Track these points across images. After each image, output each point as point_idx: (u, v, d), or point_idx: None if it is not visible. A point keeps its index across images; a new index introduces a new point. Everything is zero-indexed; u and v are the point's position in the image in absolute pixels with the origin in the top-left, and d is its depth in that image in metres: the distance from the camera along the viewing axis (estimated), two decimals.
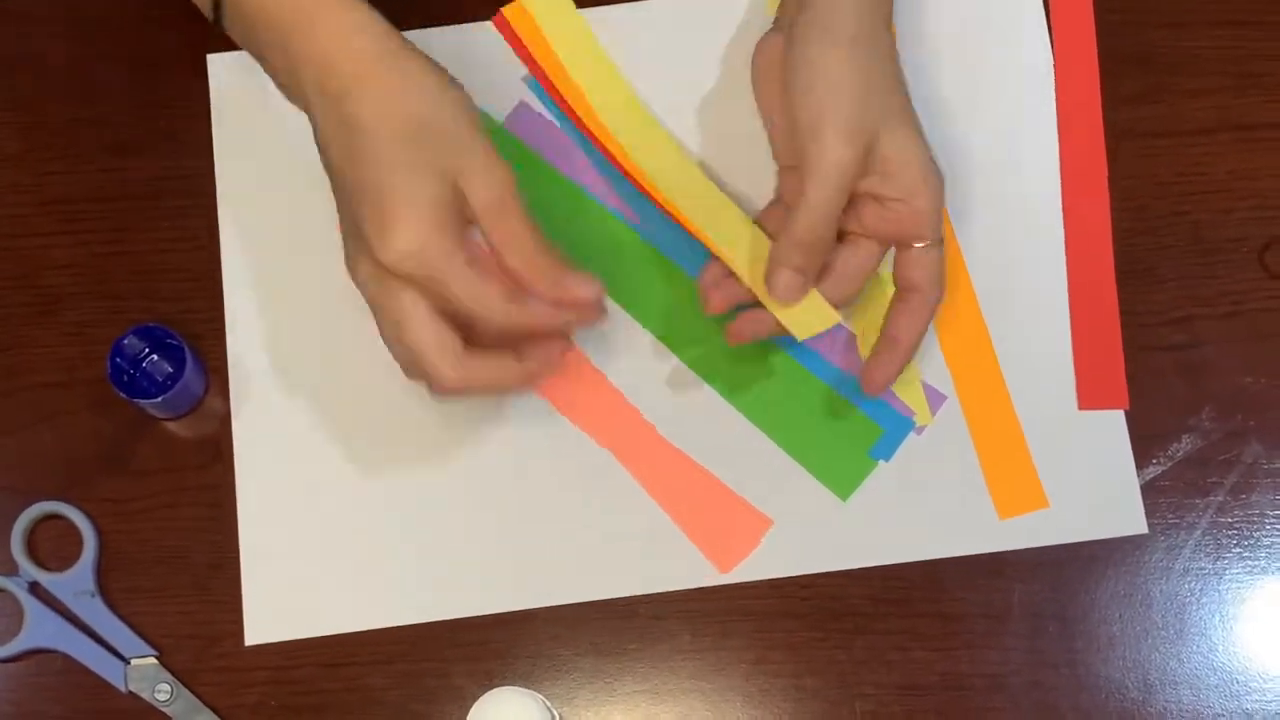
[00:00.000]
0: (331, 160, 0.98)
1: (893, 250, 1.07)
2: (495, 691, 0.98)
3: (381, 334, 0.99)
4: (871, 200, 1.05)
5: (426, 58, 0.99)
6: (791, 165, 1.08)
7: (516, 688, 0.99)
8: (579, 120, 1.14)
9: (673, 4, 1.17)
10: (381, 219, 0.95)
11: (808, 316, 1.05)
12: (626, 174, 1.12)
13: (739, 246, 1.07)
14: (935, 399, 1.11)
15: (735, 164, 1.14)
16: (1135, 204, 1.14)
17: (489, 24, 1.17)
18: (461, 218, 0.97)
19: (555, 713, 0.98)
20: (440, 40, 1.13)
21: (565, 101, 1.14)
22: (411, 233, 0.95)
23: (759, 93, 1.11)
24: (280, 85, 1.01)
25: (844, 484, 1.10)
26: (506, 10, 1.16)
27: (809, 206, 1.03)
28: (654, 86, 1.16)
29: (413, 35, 1.14)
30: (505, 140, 1.14)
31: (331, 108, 0.97)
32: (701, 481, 1.10)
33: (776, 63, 1.07)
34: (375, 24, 0.98)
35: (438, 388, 0.98)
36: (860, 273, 1.07)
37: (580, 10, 1.16)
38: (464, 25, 1.17)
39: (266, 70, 1.01)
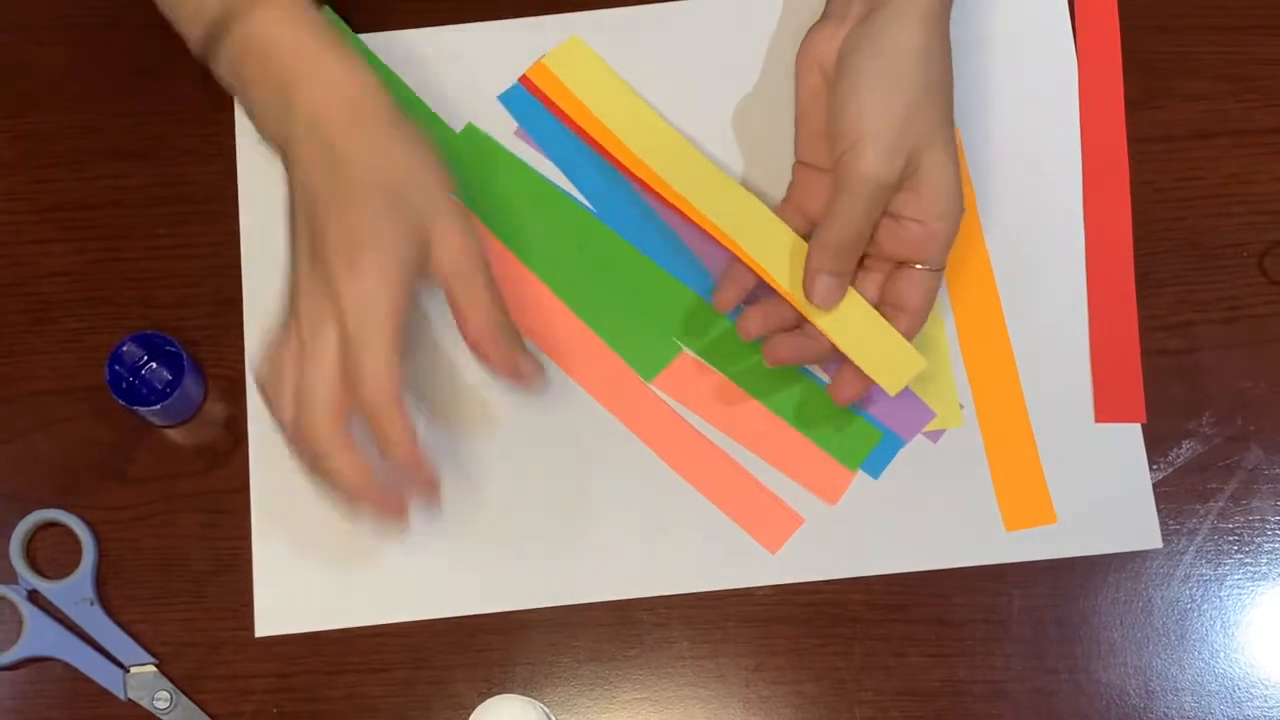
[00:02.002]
0: (312, 188, 1.00)
1: None
2: (494, 699, 0.98)
3: (272, 353, 1.01)
4: (888, 217, 1.05)
5: (412, 122, 1.03)
6: (812, 164, 1.08)
7: (515, 695, 0.98)
8: (623, 168, 1.13)
9: (709, 2, 1.18)
10: (353, 259, 0.98)
11: (894, 366, 1.05)
12: (677, 211, 1.11)
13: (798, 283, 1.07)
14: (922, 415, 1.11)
15: (766, 163, 1.14)
16: (1133, 208, 1.14)
17: (495, 25, 1.18)
18: (418, 283, 1.00)
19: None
20: (447, 40, 1.15)
21: (606, 150, 1.14)
22: (376, 282, 0.98)
23: (800, 84, 1.08)
24: (255, 114, 1.04)
25: (852, 454, 1.10)
26: (530, 73, 1.16)
27: (841, 216, 1.03)
28: (682, 87, 1.16)
29: (415, 34, 1.15)
30: (507, 161, 1.15)
31: (322, 145, 1.00)
32: (735, 475, 1.10)
33: (826, 58, 1.06)
34: (371, 80, 1.02)
35: (286, 428, 1.00)
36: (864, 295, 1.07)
37: (616, 10, 1.17)
38: (473, 25, 1.18)
39: (242, 98, 1.04)
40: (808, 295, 1.04)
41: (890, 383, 1.05)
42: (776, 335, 1.07)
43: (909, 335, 1.06)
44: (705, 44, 1.17)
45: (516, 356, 1.03)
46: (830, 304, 1.04)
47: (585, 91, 1.15)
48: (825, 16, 1.08)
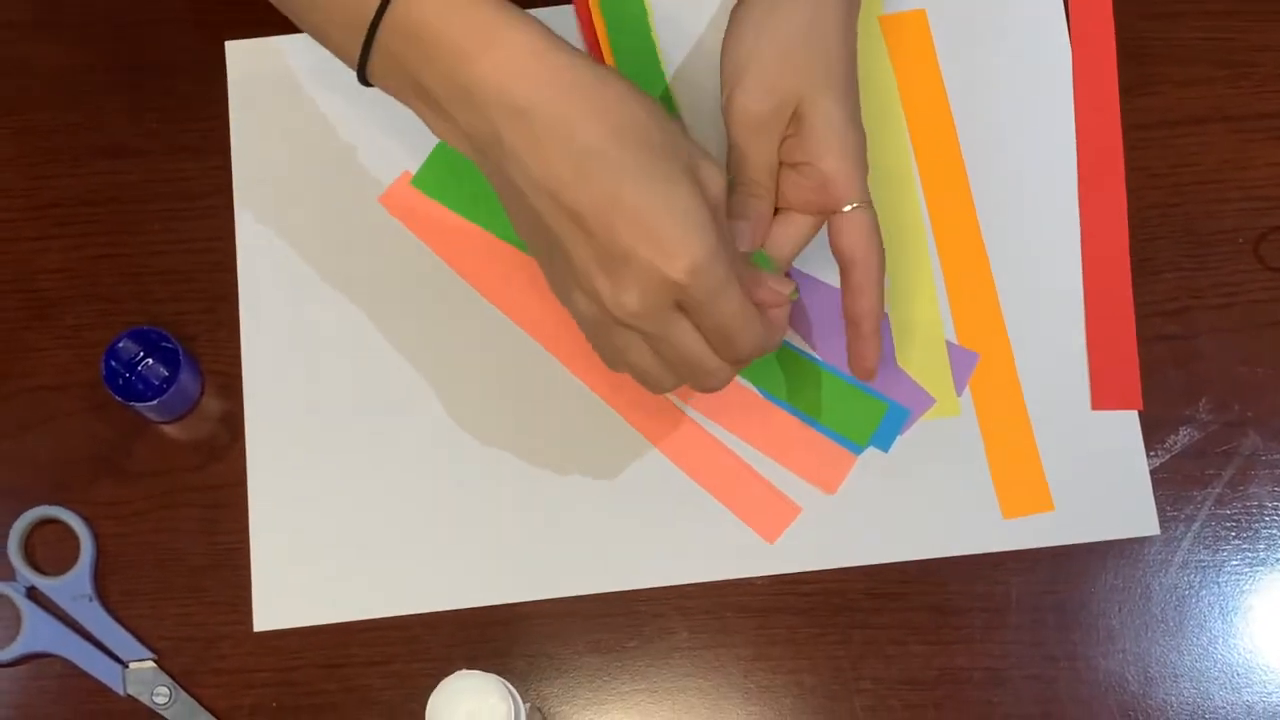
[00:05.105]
0: (544, 183, 0.90)
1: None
2: (455, 675, 0.97)
3: (636, 358, 0.96)
4: (789, 169, 1.04)
5: (607, 65, 0.95)
6: None
7: (476, 671, 0.98)
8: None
9: None
10: (659, 237, 0.89)
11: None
12: None
13: None
14: (963, 371, 1.11)
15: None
16: (1129, 195, 1.13)
17: None
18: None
19: (516, 695, 0.97)
20: None
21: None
22: (699, 246, 0.89)
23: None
24: (438, 117, 0.94)
25: (859, 431, 1.10)
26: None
27: (729, 155, 1.03)
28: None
29: None
30: None
31: (531, 127, 0.90)
32: (733, 466, 1.10)
33: None
34: (555, 37, 0.91)
35: (711, 387, 0.97)
36: (790, 243, 1.05)
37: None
38: None
39: (419, 107, 0.95)
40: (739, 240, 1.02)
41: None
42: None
43: (869, 284, 1.03)
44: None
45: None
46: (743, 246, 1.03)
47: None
48: None
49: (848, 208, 1.02)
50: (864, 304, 1.03)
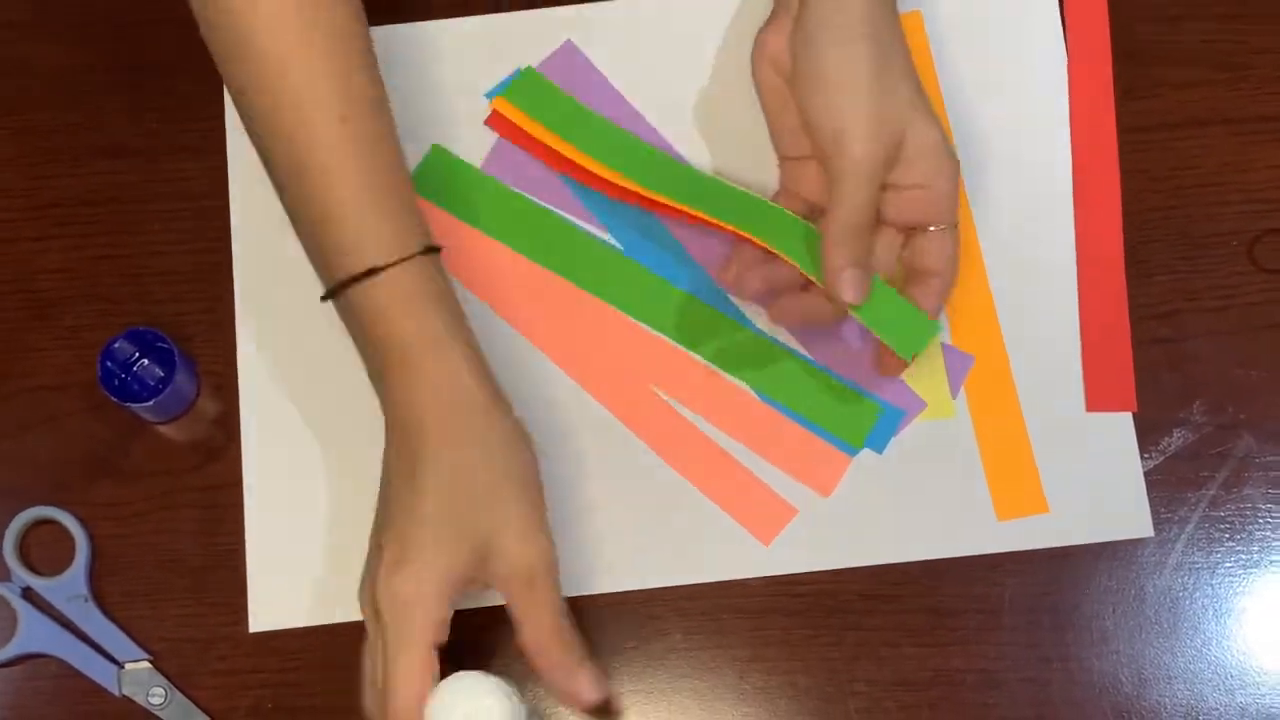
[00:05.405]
0: (389, 461, 1.01)
1: None
2: (453, 677, 0.97)
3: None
4: (889, 189, 1.05)
5: (506, 413, 1.01)
6: (798, 157, 1.08)
7: (474, 672, 0.98)
8: (610, 188, 1.12)
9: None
10: (401, 560, 0.97)
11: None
12: (679, 215, 1.11)
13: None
14: (958, 373, 1.11)
15: (737, 158, 1.14)
16: (1125, 197, 1.13)
17: (456, 21, 1.18)
18: (466, 583, 0.99)
19: (514, 697, 0.97)
20: (413, 38, 1.15)
21: (588, 175, 1.13)
22: (413, 594, 0.97)
23: (762, 87, 1.09)
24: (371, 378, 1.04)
25: (854, 432, 1.10)
26: (495, 104, 1.15)
27: (844, 205, 1.03)
28: (646, 85, 1.16)
29: (403, 29, 1.14)
30: (484, 183, 1.15)
31: (405, 433, 1.00)
32: (729, 467, 1.10)
33: (781, 57, 1.07)
34: (467, 372, 1.00)
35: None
36: (882, 264, 1.07)
37: (568, 8, 1.17)
38: (442, 21, 1.18)
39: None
40: (838, 295, 1.03)
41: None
42: (786, 297, 1.08)
43: (943, 297, 1.06)
44: (660, 40, 1.17)
45: (574, 679, 1.00)
46: (861, 295, 1.04)
47: (552, 122, 1.14)
48: (772, 14, 1.09)
49: (933, 228, 1.05)
50: (930, 304, 1.06)
